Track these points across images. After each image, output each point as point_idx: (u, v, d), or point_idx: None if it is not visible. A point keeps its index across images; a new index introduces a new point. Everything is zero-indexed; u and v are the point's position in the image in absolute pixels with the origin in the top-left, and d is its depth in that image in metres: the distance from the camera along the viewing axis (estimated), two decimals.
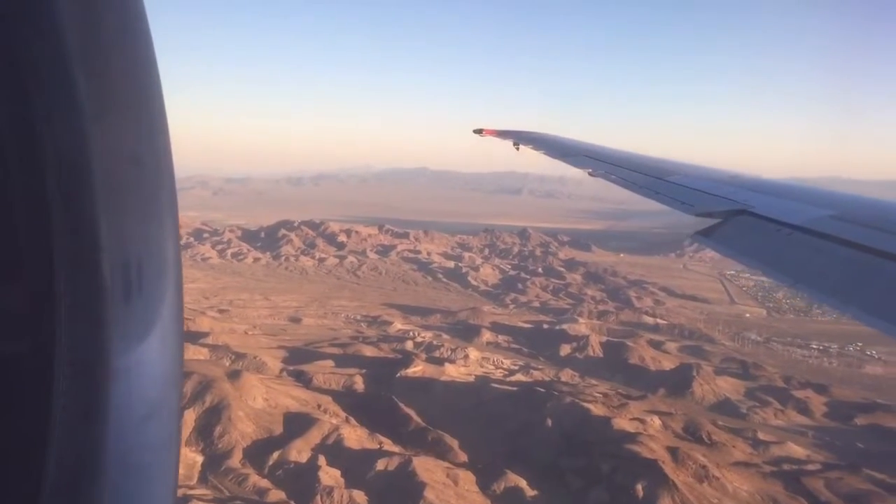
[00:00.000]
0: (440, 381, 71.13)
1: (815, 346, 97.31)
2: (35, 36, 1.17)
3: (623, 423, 58.49)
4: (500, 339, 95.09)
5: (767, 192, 6.27)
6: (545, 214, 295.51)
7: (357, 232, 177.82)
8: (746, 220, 5.48)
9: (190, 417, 55.91)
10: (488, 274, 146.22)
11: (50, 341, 1.25)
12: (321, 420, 58.24)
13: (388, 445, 55.17)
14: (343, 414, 61.79)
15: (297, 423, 57.66)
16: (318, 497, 46.76)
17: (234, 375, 64.80)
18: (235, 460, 52.42)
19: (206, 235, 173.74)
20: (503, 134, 13.76)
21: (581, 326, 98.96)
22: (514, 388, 69.19)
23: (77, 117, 1.22)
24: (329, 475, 49.70)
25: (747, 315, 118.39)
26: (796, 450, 58.61)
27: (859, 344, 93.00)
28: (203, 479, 49.96)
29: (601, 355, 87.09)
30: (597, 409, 61.14)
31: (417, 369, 73.84)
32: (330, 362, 76.73)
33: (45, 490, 1.22)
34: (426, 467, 50.31)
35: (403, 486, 47.93)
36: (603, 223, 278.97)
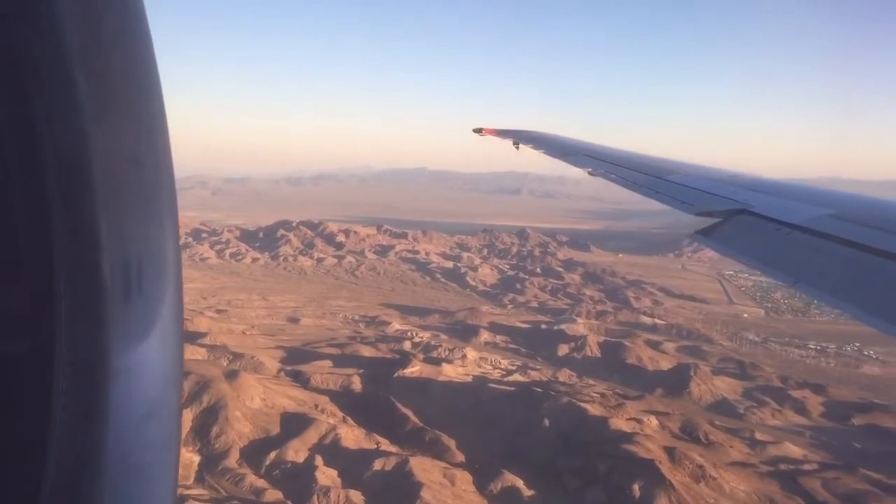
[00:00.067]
0: (438, 382, 71.11)
1: (812, 347, 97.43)
2: (35, 36, 1.17)
3: (620, 423, 58.54)
4: (498, 339, 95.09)
5: (767, 191, 6.25)
6: (544, 214, 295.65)
7: (356, 232, 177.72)
8: (746, 219, 5.47)
9: (187, 417, 55.81)
10: (487, 274, 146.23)
11: (50, 341, 1.25)
12: (318, 420, 58.19)
13: (386, 445, 55.14)
14: (340, 414, 61.75)
15: (294, 423, 57.60)
16: (315, 497, 46.72)
17: (231, 375, 64.72)
18: (232, 460, 52.35)
19: (204, 235, 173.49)
20: (503, 133, 13.75)
21: (579, 326, 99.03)
22: (512, 388, 69.18)
23: (77, 117, 1.22)
24: (326, 475, 49.66)
25: (745, 315, 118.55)
26: (793, 450, 58.70)
27: (857, 344, 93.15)
28: (200, 479, 49.87)
29: (599, 355, 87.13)
30: (594, 409, 61.18)
31: (415, 369, 73.82)
32: (328, 362, 76.67)
33: (45, 490, 1.22)
34: (423, 467, 50.29)
35: (400, 486, 47.90)
36: (602, 223, 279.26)
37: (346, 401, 65.24)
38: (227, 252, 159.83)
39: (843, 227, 4.63)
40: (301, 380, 70.83)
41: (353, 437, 56.00)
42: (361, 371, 73.70)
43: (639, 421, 59.75)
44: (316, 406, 62.96)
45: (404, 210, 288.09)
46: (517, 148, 12.53)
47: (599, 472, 50.70)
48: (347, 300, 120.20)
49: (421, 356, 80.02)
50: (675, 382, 76.34)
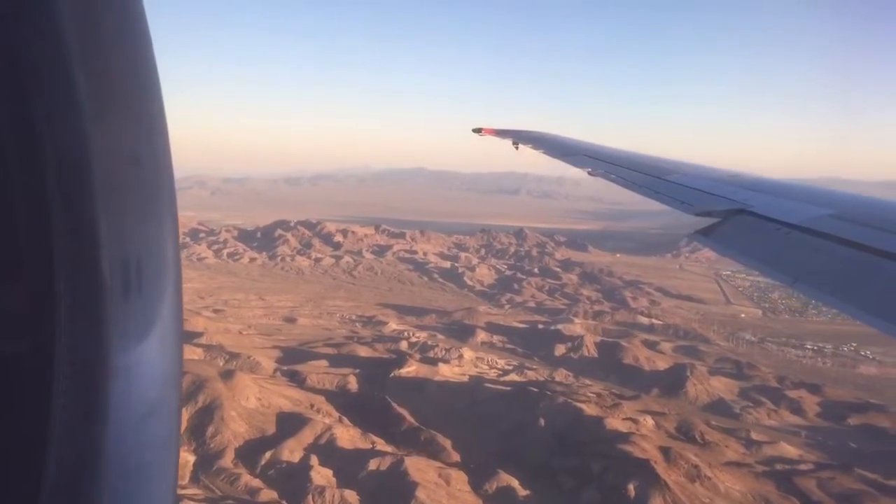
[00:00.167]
0: (434, 381, 71.11)
1: (809, 347, 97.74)
2: (35, 36, 1.18)
3: (616, 423, 58.60)
4: (495, 339, 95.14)
5: (766, 191, 6.23)
6: (542, 215, 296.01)
7: (353, 232, 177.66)
8: (745, 219, 5.44)
9: (182, 417, 55.62)
10: (484, 274, 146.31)
11: (50, 341, 1.25)
12: (314, 420, 58.12)
13: (381, 445, 55.11)
14: (336, 414, 61.69)
15: (289, 423, 57.53)
16: (310, 497, 46.67)
17: (226, 375, 64.60)
18: (227, 460, 52.25)
19: (202, 235, 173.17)
20: (502, 133, 13.72)
21: (576, 326, 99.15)
22: (508, 389, 69.21)
23: (77, 117, 1.23)
24: (321, 475, 49.62)
25: (742, 315, 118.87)
26: (789, 450, 58.86)
27: (854, 344, 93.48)
28: (195, 479, 49.75)
29: (596, 355, 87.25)
30: (590, 409, 61.23)
31: (411, 369, 73.79)
32: (324, 362, 76.60)
33: (45, 489, 1.23)
34: (418, 467, 50.26)
35: (395, 485, 47.87)
36: (600, 223, 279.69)
37: (341, 400, 65.19)
38: (225, 252, 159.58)
39: (843, 226, 4.62)
40: (297, 379, 70.75)
41: (348, 436, 55.95)
42: (358, 371, 73.65)
43: (634, 421, 59.82)
44: (312, 406, 62.89)
45: (402, 210, 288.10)
46: (517, 148, 12.50)
47: (594, 472, 50.75)
48: (345, 300, 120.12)
49: (417, 356, 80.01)
50: (672, 382, 76.50)
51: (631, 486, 48.38)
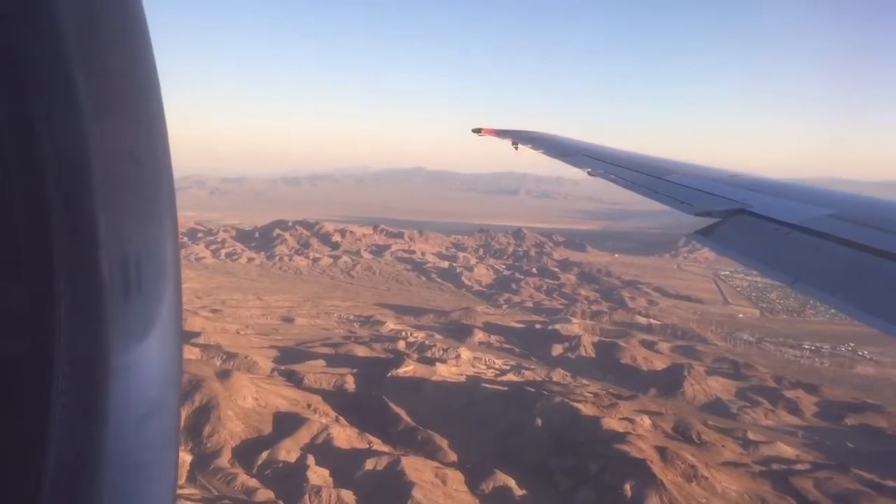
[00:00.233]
0: (431, 381, 71.10)
1: (807, 347, 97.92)
2: (35, 36, 1.17)
3: (612, 422, 58.64)
4: (493, 339, 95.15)
5: (766, 191, 6.22)
6: (541, 215, 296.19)
7: (351, 232, 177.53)
8: (745, 219, 5.42)
9: None
10: (482, 274, 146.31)
11: (50, 341, 1.25)
12: (311, 420, 58.05)
13: (378, 445, 55.08)
14: (333, 413, 61.63)
15: (286, 423, 57.46)
16: (307, 496, 46.61)
17: (223, 375, 64.50)
18: (224, 460, 52.16)
19: (200, 235, 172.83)
20: (502, 133, 13.68)
21: (574, 326, 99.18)
22: (505, 388, 69.22)
23: (77, 117, 1.22)
24: (317, 475, 49.57)
25: (740, 315, 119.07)
26: (786, 450, 58.96)
27: (851, 344, 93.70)
28: (191, 479, 49.65)
29: (593, 355, 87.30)
30: (586, 409, 61.27)
31: (409, 369, 73.75)
32: (321, 362, 76.52)
33: (45, 489, 1.23)
34: (415, 467, 50.24)
35: (392, 485, 47.85)
36: (599, 224, 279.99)
37: (338, 400, 65.15)
38: (223, 252, 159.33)
39: (843, 226, 4.61)
40: (294, 379, 70.66)
41: (345, 436, 55.89)
42: (355, 371, 73.59)
43: (631, 421, 59.87)
44: (309, 406, 62.82)
45: (401, 210, 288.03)
46: (516, 148, 12.46)
47: (591, 472, 50.78)
48: (342, 300, 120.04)
49: (415, 356, 79.98)
50: (669, 382, 76.59)
51: (627, 486, 48.41)
